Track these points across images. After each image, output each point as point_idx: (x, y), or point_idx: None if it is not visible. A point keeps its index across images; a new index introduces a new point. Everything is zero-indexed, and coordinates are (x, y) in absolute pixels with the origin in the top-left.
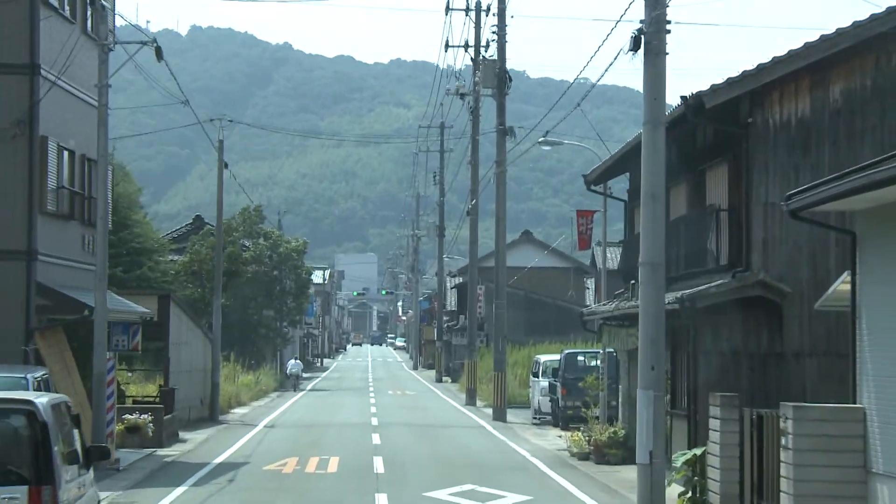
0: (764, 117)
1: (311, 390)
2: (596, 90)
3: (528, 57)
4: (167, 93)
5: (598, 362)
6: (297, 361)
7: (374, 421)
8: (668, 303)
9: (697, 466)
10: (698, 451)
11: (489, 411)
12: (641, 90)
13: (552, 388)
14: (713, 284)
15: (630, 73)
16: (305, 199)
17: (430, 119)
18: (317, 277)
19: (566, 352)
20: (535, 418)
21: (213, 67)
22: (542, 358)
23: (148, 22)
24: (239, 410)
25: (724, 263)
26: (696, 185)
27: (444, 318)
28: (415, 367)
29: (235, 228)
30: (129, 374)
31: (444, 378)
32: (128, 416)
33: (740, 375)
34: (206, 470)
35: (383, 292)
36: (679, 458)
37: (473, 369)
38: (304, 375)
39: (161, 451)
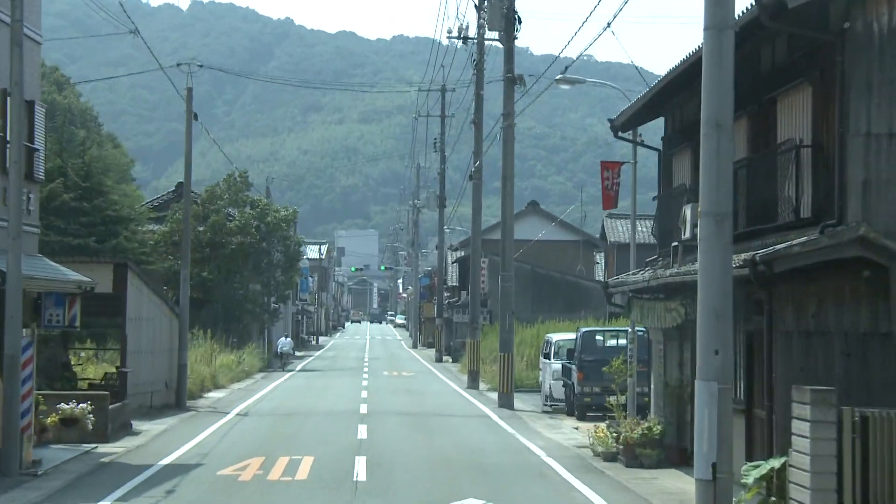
0: (866, 21)
1: (300, 371)
2: (599, 67)
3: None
4: (116, 20)
5: (625, 342)
6: (288, 339)
7: (364, 408)
8: (734, 266)
9: (775, 483)
10: (776, 463)
11: (493, 396)
12: (645, 67)
13: (566, 371)
14: (795, 242)
15: (636, 46)
16: (307, 175)
17: (430, 81)
18: (312, 252)
19: (583, 330)
20: (546, 405)
21: (215, 42)
22: (554, 337)
23: None
24: (214, 394)
25: (806, 216)
26: (761, 118)
27: (445, 295)
28: (414, 346)
29: (220, 196)
30: (81, 355)
31: (445, 357)
32: (63, 406)
33: (832, 362)
34: (147, 475)
35: (382, 268)
36: (750, 472)
37: (476, 349)
38: (297, 354)
39: (103, 448)
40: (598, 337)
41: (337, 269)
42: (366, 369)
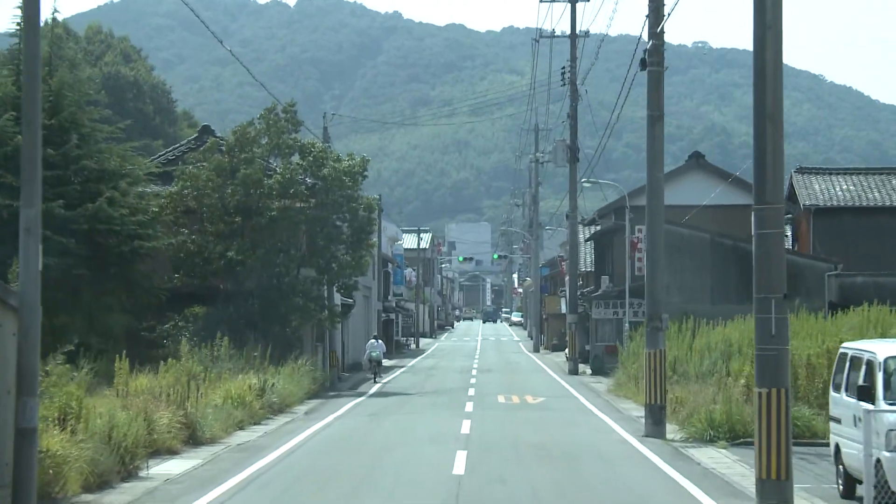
0: None
1: (374, 395)
2: (716, 53)
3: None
4: None
5: None
6: (379, 342)
7: None
8: None
9: None
10: None
11: (706, 458)
12: None
13: None
14: None
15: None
16: (417, 170)
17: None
18: (411, 240)
19: None
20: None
21: (322, 38)
22: (882, 351)
23: None
24: (168, 467)
25: None
26: None
27: (578, 283)
28: (535, 350)
29: (254, 140)
30: None
31: (581, 368)
32: None
33: None
34: None
35: (495, 256)
36: None
37: (658, 366)
38: (386, 363)
39: None
40: None
41: (447, 265)
42: (472, 392)
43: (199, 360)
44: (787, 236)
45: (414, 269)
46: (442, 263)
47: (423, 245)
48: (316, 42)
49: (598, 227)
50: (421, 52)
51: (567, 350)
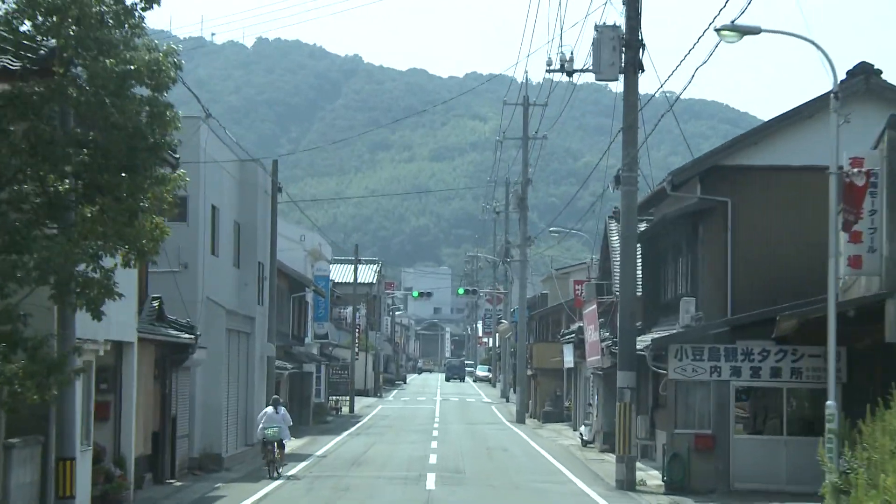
0: None
1: None
2: (683, 104)
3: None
4: None
5: None
6: (281, 412)
7: None
8: None
9: None
10: None
11: None
12: (730, 104)
13: None
14: None
15: (719, 86)
16: (374, 216)
17: None
18: (345, 273)
19: None
20: None
21: (279, 80)
22: None
23: (213, 34)
24: None
25: None
26: None
27: (603, 320)
28: (519, 420)
29: None
30: None
31: (640, 475)
32: None
33: None
34: None
35: (461, 291)
36: None
37: None
38: (292, 446)
39: None
40: None
41: (401, 311)
42: None
43: None
44: None
45: (360, 309)
46: (397, 310)
47: (368, 279)
48: (273, 84)
49: (648, 219)
50: (381, 95)
51: (617, 441)
